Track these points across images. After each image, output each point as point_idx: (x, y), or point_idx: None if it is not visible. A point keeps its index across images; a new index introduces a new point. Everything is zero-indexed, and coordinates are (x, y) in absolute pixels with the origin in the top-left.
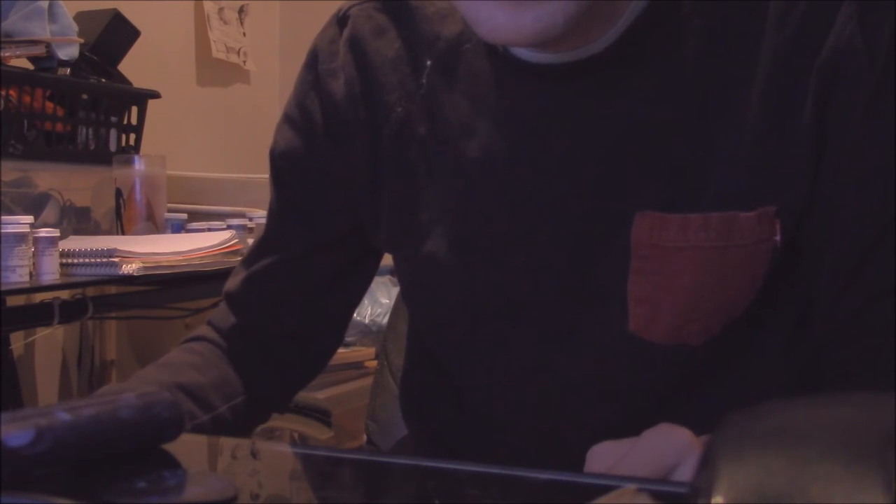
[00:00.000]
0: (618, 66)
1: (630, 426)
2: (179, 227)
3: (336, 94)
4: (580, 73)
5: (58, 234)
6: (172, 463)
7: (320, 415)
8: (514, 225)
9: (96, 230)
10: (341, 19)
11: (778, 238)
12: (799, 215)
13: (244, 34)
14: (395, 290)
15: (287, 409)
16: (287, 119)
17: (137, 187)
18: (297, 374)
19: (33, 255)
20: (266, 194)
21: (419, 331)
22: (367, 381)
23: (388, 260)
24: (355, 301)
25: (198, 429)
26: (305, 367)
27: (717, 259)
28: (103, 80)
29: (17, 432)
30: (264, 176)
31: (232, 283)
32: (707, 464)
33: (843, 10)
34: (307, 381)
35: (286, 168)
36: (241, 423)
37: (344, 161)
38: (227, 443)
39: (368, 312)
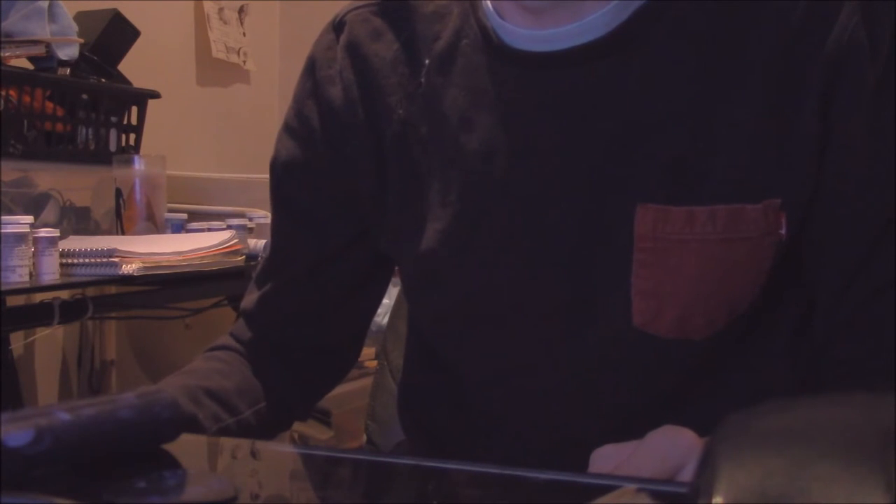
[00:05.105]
0: (616, 56)
1: (633, 423)
2: (179, 227)
3: (335, 100)
4: (578, 63)
5: (58, 234)
6: (172, 463)
7: (320, 415)
8: (514, 218)
9: (96, 230)
10: (337, 25)
11: (783, 232)
12: (804, 209)
13: (244, 34)
14: (396, 290)
15: (308, 416)
16: (287, 128)
17: (137, 187)
18: (318, 384)
19: (33, 255)
20: (265, 194)
21: (420, 329)
22: (367, 381)
23: None
24: (372, 309)
25: (223, 432)
26: (325, 377)
27: (722, 252)
28: (103, 80)
29: (17, 432)
30: (264, 176)
31: (247, 302)
32: (707, 464)
33: (847, 6)
34: (328, 391)
35: (288, 178)
36: (265, 428)
37: (346, 166)
38: (227, 443)
39: None
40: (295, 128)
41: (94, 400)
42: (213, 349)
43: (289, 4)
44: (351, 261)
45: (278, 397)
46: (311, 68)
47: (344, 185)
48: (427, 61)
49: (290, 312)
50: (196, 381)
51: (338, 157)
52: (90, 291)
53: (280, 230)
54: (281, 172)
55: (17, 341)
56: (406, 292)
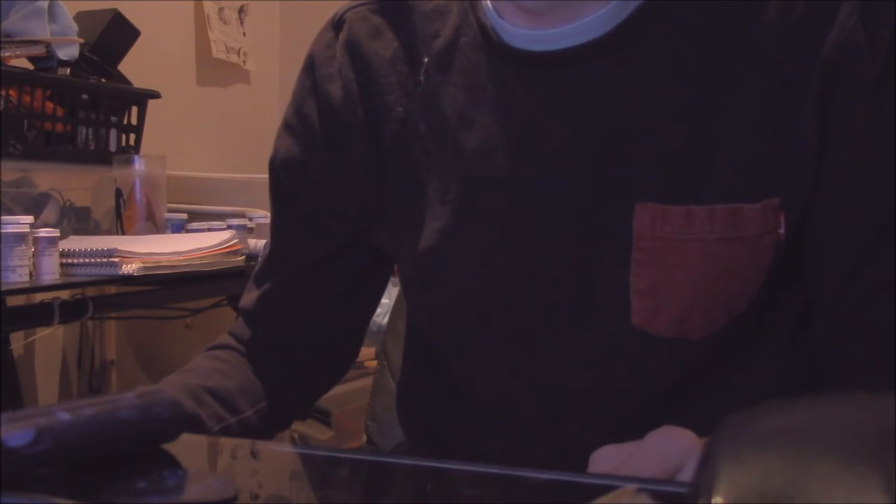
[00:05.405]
0: (615, 55)
1: (632, 423)
2: (179, 227)
3: (334, 98)
4: (577, 62)
5: (58, 234)
6: (172, 463)
7: (320, 415)
8: (513, 216)
9: (96, 230)
10: (337, 23)
11: (782, 231)
12: (803, 209)
13: (244, 34)
14: (396, 290)
15: (308, 415)
16: (286, 126)
17: (137, 187)
18: (317, 382)
19: (33, 255)
20: (265, 194)
21: (419, 329)
22: (367, 381)
23: None
24: (371, 307)
25: (225, 431)
26: (325, 375)
27: (720, 251)
28: (103, 80)
29: (17, 432)
30: (264, 176)
31: (246, 301)
32: (707, 464)
33: (846, 6)
34: (327, 389)
35: (287, 176)
36: (267, 426)
37: (345, 164)
38: (227, 443)
39: None
40: (294, 126)
41: (94, 400)
42: (212, 348)
43: (289, 4)
44: (350, 259)
45: (279, 396)
46: (310, 66)
47: (343, 183)
48: (426, 59)
49: (290, 311)
50: (198, 380)
51: (337, 156)
52: (90, 291)
53: (279, 228)
54: (280, 170)
55: (17, 341)
56: (405, 290)
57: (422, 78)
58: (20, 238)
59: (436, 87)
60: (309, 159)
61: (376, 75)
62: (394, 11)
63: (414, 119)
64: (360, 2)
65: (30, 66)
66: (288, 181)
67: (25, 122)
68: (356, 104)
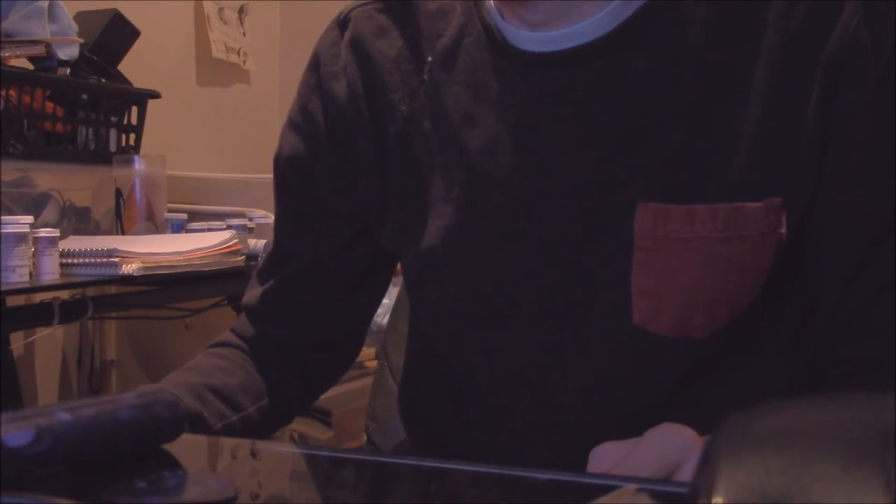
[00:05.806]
0: (618, 54)
1: (634, 422)
2: (179, 227)
3: (339, 96)
4: (579, 62)
5: (58, 234)
6: (172, 463)
7: (320, 415)
8: (515, 215)
9: (96, 230)
10: (342, 22)
11: (784, 231)
12: (805, 208)
13: (244, 34)
14: (396, 291)
15: (309, 412)
16: (291, 124)
17: (137, 187)
18: (319, 379)
19: (33, 255)
20: (265, 194)
21: (421, 328)
22: (367, 381)
23: None
24: (374, 305)
25: (228, 429)
26: (327, 372)
27: (722, 250)
28: (103, 80)
29: (17, 432)
30: (264, 176)
31: (249, 297)
32: (707, 464)
33: (849, 6)
34: (329, 386)
35: (291, 173)
36: (268, 423)
37: (349, 162)
38: (227, 443)
39: None
40: (299, 123)
41: (94, 400)
42: (214, 346)
43: (289, 4)
44: (354, 256)
45: (280, 393)
46: (315, 64)
47: (346, 180)
48: (430, 58)
49: (293, 307)
50: (200, 378)
51: (341, 153)
52: (90, 291)
53: (283, 226)
54: (284, 168)
55: (17, 341)
56: (408, 288)
57: (426, 77)
58: (20, 238)
59: (440, 85)
60: (313, 157)
61: (381, 74)
62: (399, 11)
63: (418, 117)
64: (365, 1)
65: (30, 66)
66: (292, 178)
67: (25, 122)
68: (361, 102)
